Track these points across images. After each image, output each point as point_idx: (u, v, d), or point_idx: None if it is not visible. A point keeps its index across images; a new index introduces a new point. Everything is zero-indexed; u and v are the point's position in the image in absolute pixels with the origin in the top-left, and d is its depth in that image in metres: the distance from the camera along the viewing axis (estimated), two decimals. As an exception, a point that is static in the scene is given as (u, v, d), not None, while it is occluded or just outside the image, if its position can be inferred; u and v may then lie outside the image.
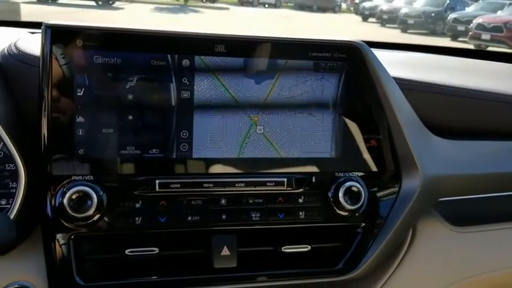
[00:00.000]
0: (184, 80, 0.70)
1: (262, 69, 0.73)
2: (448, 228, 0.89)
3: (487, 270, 0.88)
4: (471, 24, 10.15)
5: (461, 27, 11.21)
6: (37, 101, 0.66)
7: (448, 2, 12.90)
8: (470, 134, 0.91)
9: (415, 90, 0.87)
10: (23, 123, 0.70)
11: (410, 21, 13.17)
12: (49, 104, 0.65)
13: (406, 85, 0.85)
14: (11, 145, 0.65)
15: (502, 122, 0.93)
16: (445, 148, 0.86)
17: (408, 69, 0.94)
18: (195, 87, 0.71)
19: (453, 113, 0.90)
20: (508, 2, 10.60)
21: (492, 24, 9.63)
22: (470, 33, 10.06)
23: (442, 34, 12.25)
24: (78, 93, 0.66)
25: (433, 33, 12.69)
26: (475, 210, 0.95)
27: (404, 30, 13.11)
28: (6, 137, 0.65)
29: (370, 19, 16.02)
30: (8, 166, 0.66)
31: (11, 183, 0.66)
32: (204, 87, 0.71)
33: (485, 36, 9.66)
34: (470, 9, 12.16)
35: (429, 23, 12.99)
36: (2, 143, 0.66)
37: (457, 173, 0.85)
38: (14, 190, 0.66)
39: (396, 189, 0.80)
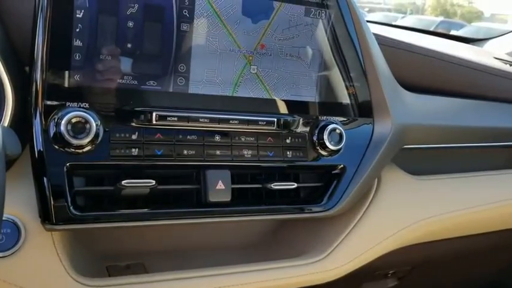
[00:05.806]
0: (185, 12, 0.70)
1: (259, 9, 0.74)
2: (409, 177, 0.97)
3: (442, 212, 0.98)
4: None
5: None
6: (32, 22, 0.62)
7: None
8: (433, 92, 1.00)
9: (390, 47, 0.93)
10: (12, 46, 0.66)
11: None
12: (46, 23, 0.61)
13: (381, 40, 0.91)
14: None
15: (464, 84, 1.03)
16: (413, 101, 0.93)
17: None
18: (194, 20, 0.70)
19: (420, 71, 0.99)
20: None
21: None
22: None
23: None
24: (78, 15, 0.63)
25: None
26: (432, 162, 1.04)
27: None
28: None
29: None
30: None
31: None
32: (203, 21, 0.71)
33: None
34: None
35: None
36: None
37: (422, 123, 0.93)
38: None
39: (370, 134, 0.86)
